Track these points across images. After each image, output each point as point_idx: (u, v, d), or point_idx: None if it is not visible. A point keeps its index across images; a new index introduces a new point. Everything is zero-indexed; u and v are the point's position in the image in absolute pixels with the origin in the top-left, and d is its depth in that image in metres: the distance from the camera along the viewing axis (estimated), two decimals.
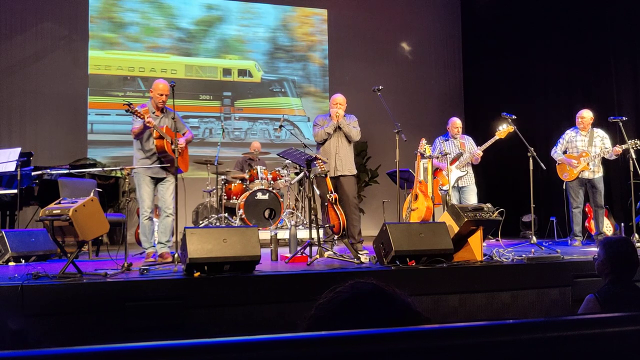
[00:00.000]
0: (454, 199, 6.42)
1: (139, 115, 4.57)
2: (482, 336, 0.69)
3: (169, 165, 4.83)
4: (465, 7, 10.72)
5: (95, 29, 9.05)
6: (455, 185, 6.49)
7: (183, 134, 4.94)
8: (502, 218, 4.79)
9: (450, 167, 6.37)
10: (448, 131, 6.68)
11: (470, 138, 6.73)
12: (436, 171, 6.36)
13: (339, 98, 5.61)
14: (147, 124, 4.57)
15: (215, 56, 9.63)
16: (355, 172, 5.70)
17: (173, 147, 4.57)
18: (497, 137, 6.25)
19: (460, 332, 0.69)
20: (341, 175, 5.52)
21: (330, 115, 5.60)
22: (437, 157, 6.31)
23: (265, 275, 3.97)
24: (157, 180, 4.90)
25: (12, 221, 6.08)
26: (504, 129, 6.18)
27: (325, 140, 5.54)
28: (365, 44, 10.17)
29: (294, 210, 7.38)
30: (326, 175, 5.31)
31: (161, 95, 4.85)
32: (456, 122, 6.64)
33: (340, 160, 5.51)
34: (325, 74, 10.14)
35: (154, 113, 4.86)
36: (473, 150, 6.49)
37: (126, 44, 9.21)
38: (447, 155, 6.16)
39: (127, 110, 4.58)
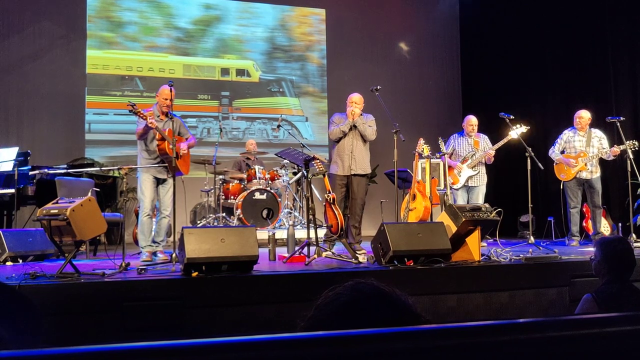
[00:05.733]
0: (461, 199, 6.40)
1: (141, 116, 4.69)
2: (479, 336, 0.69)
3: (167, 165, 4.90)
4: (464, 6, 10.72)
5: (93, 29, 9.03)
6: (466, 184, 6.46)
7: (186, 139, 5.09)
8: (499, 218, 4.79)
9: (461, 166, 6.35)
10: (463, 128, 6.64)
11: (486, 137, 6.64)
12: (449, 169, 6.34)
13: (356, 97, 5.56)
14: (150, 125, 4.66)
15: (213, 56, 9.62)
16: (369, 171, 5.68)
17: (171, 147, 4.65)
18: (510, 137, 6.22)
19: (458, 332, 0.69)
20: (354, 174, 5.50)
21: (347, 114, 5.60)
22: (447, 154, 6.26)
23: (263, 275, 3.97)
24: (158, 181, 5.02)
25: (9, 221, 6.07)
26: (517, 130, 6.12)
27: (341, 138, 5.53)
28: (363, 44, 10.16)
29: (292, 210, 7.38)
30: (324, 175, 5.31)
31: (166, 99, 4.97)
32: (471, 120, 6.58)
33: (355, 159, 5.47)
34: (324, 73, 10.13)
35: (158, 117, 4.97)
36: (487, 149, 6.46)
37: (124, 43, 9.19)
38: (445, 155, 6.15)
39: (130, 111, 4.71)
